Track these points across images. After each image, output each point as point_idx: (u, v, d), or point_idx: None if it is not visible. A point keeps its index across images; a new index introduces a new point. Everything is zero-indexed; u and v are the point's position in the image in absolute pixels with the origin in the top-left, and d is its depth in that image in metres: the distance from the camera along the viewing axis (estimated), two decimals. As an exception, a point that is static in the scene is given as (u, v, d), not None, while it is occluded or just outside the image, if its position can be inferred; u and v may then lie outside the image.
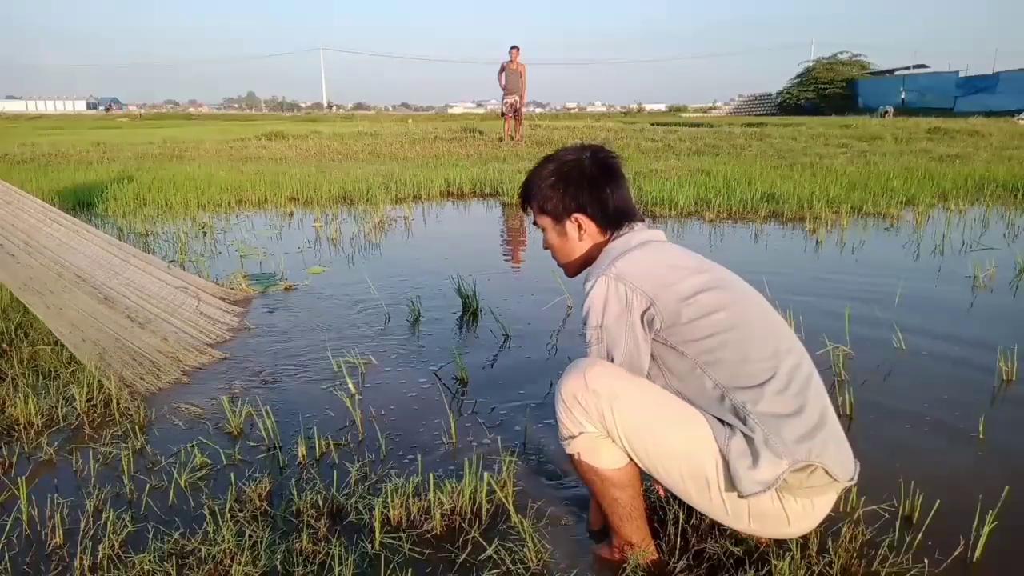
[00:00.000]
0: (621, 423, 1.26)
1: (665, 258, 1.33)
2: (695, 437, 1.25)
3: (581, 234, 1.42)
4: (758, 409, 1.21)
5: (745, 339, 1.25)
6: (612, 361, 1.31)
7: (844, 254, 4.27)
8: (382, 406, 2.21)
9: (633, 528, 1.39)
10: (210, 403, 2.19)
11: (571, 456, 1.34)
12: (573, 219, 1.41)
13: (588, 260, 1.43)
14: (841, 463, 1.24)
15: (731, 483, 1.22)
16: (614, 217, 1.40)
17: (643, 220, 1.44)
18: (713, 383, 1.25)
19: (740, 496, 1.21)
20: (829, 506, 1.30)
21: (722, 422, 1.25)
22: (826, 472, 1.21)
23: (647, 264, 1.31)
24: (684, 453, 1.25)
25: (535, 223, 1.50)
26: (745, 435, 1.21)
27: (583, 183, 1.40)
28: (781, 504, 1.24)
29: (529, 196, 1.47)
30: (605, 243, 1.42)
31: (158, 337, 2.55)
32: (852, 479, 1.26)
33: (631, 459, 1.30)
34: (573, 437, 1.31)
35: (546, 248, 1.51)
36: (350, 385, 2.29)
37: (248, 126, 23.30)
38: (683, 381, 1.29)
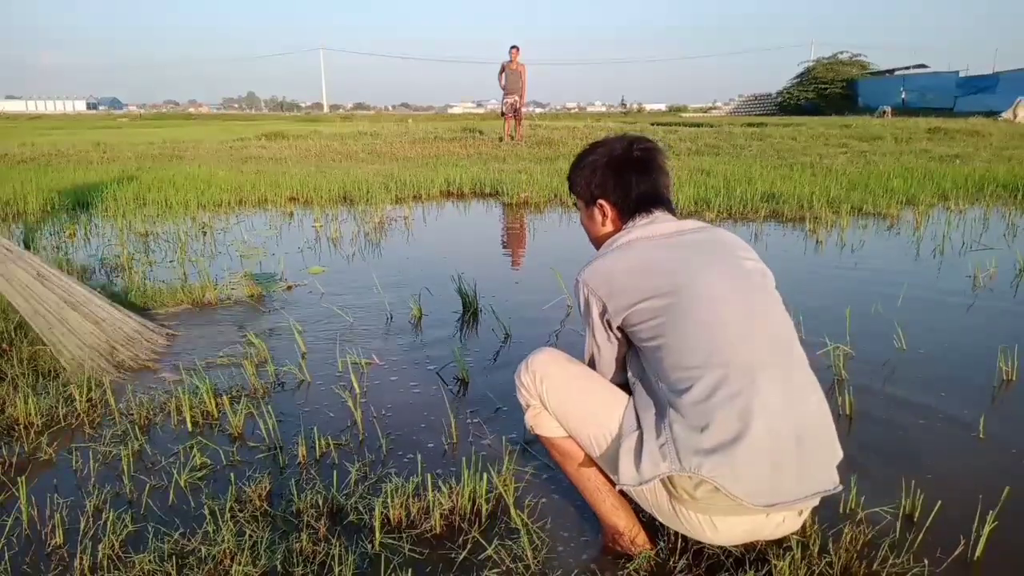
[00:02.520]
0: (549, 399, 1.41)
1: (629, 262, 1.35)
2: (604, 422, 1.36)
3: (604, 220, 1.50)
4: (674, 414, 1.24)
5: (676, 346, 1.26)
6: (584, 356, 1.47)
7: (844, 254, 4.27)
8: (383, 406, 2.21)
9: (611, 507, 1.44)
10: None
11: (531, 431, 1.48)
12: (598, 205, 1.48)
13: None
14: (751, 486, 1.18)
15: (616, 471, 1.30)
16: (636, 207, 1.45)
17: (664, 210, 1.44)
18: (657, 380, 1.31)
19: (615, 485, 1.30)
20: (751, 529, 1.27)
21: (638, 418, 1.31)
22: (727, 493, 1.18)
23: (607, 269, 1.36)
24: (596, 434, 1.37)
25: (574, 204, 1.62)
26: (648, 433, 1.26)
27: (609, 172, 1.47)
28: (675, 512, 1.29)
29: (569, 177, 1.58)
30: (619, 231, 1.47)
31: (90, 321, 2.54)
32: (773, 504, 1.19)
33: None
34: (525, 411, 1.46)
35: (582, 224, 1.61)
36: (355, 384, 2.29)
37: (248, 126, 23.31)
38: (646, 374, 1.36)
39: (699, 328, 1.26)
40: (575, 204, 1.60)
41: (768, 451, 1.19)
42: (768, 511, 1.21)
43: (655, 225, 1.41)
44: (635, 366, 1.39)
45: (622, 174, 1.45)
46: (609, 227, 1.49)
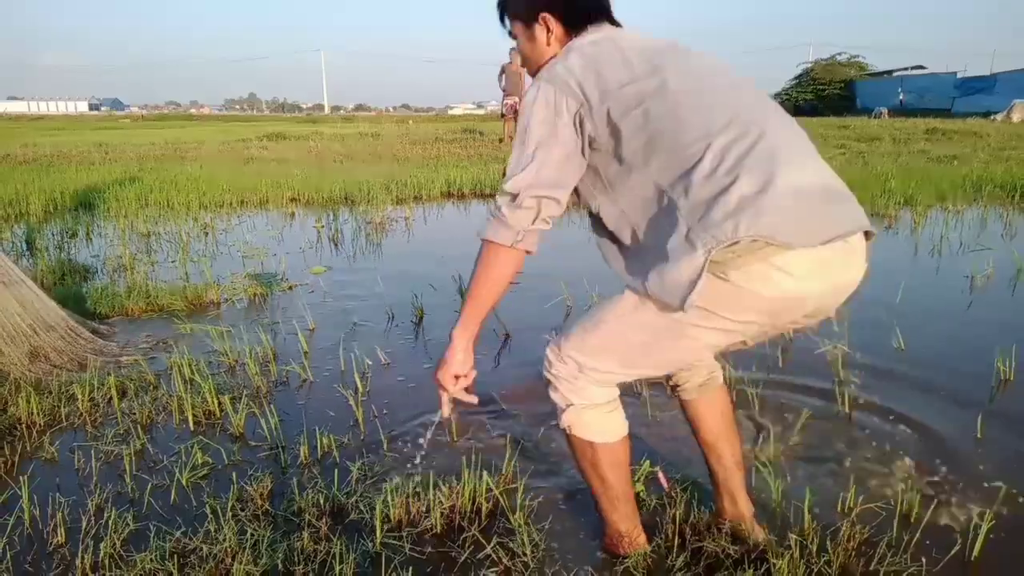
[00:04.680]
0: (598, 361, 1.28)
1: (603, 54, 1.23)
2: (657, 323, 1.21)
3: (549, 37, 1.37)
4: (688, 200, 1.13)
5: (674, 127, 1.16)
6: (531, 160, 1.23)
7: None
8: (384, 405, 2.22)
9: (622, 515, 1.42)
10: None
11: (565, 435, 1.37)
12: (541, 19, 1.36)
13: None
14: (794, 226, 1.09)
15: (670, 309, 1.16)
16: (581, 16, 1.35)
17: (610, 20, 1.37)
18: (651, 183, 1.19)
19: (683, 311, 1.13)
20: (821, 267, 1.14)
21: (650, 254, 1.18)
22: (774, 242, 1.08)
23: (578, 63, 1.23)
24: (654, 340, 1.24)
25: (510, 34, 1.45)
26: (669, 247, 1.14)
27: None
28: (739, 294, 1.14)
29: (502, 2, 1.43)
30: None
31: (20, 305, 2.42)
32: (826, 241, 1.11)
33: (634, 380, 1.27)
34: (563, 411, 1.34)
35: (522, 65, 1.48)
36: (357, 383, 2.30)
37: (249, 127, 23.31)
38: (627, 193, 1.23)
39: (693, 99, 1.18)
40: (511, 34, 1.44)
41: (800, 191, 1.12)
42: (823, 247, 1.12)
43: (614, 30, 1.33)
44: (615, 184, 1.25)
45: None
46: (555, 46, 1.36)
